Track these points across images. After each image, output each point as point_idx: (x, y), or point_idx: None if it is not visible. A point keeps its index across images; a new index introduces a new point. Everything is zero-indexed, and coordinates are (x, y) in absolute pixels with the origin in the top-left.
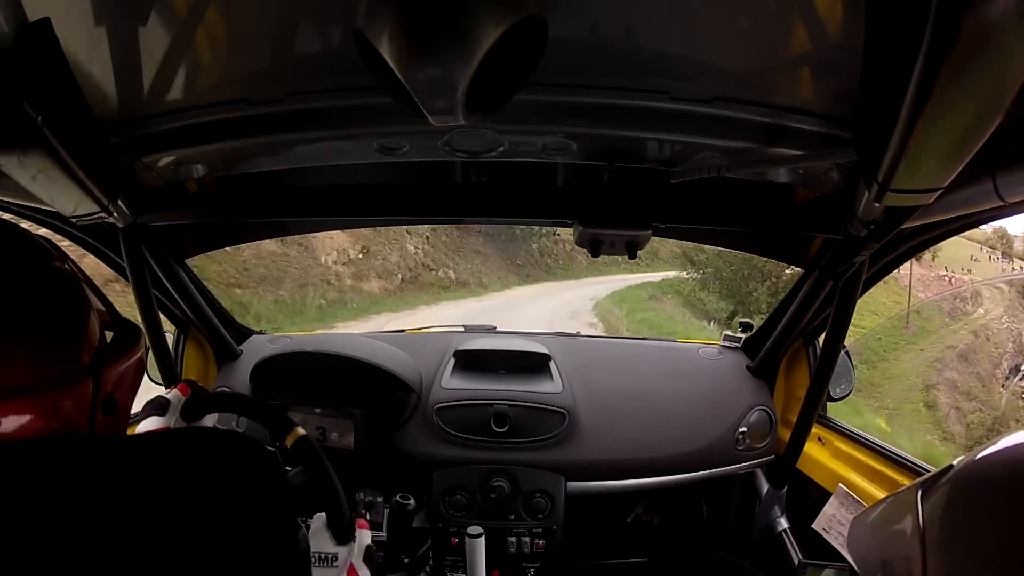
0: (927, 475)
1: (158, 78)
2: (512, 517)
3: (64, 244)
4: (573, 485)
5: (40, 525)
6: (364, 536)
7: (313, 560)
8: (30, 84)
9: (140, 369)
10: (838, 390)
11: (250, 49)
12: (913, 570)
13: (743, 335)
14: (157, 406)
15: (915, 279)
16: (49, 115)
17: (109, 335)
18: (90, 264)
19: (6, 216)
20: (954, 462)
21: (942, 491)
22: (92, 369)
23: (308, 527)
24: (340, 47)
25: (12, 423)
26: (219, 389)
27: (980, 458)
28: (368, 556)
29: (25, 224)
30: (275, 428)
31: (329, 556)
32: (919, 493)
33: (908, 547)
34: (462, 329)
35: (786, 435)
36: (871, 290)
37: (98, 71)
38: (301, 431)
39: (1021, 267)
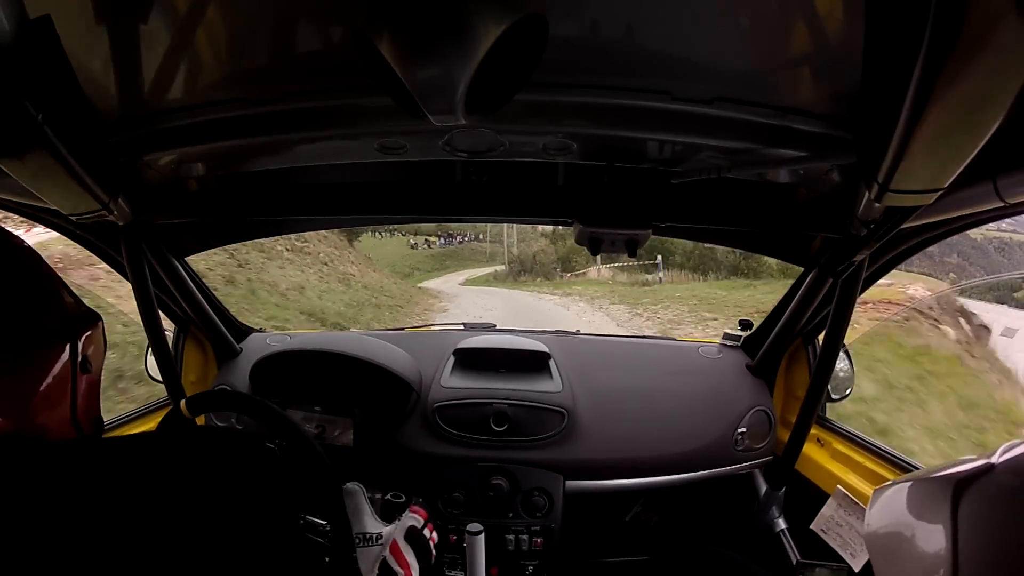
0: (961, 470)
1: (159, 77)
2: (511, 515)
3: (63, 240)
4: (572, 484)
5: (44, 523)
6: (408, 519)
7: (357, 541)
8: (31, 82)
9: (104, 341)
10: (838, 391)
11: (251, 48)
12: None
13: (743, 333)
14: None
15: None
16: (50, 113)
17: None
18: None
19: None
20: (994, 458)
21: (982, 491)
22: (68, 334)
23: (307, 523)
24: (340, 47)
25: None
26: (219, 387)
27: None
28: (412, 536)
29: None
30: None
31: (373, 536)
32: (952, 490)
33: (936, 549)
34: (462, 327)
35: (785, 436)
36: None
37: (99, 69)
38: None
39: None
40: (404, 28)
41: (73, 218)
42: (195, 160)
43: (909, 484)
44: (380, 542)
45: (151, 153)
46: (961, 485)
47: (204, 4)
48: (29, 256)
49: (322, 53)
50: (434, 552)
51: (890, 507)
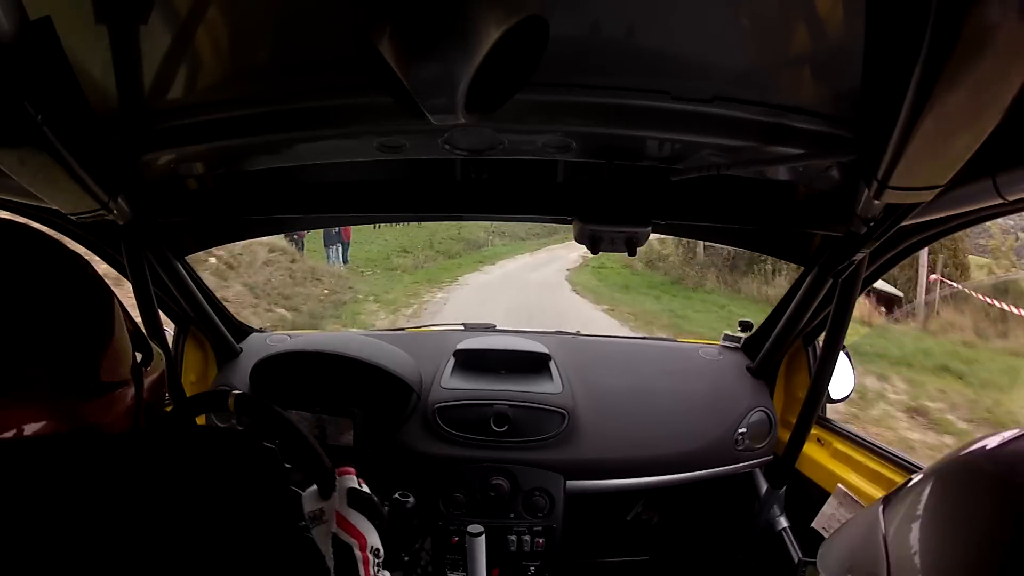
0: (890, 492)
1: (159, 76)
2: (512, 516)
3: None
4: (572, 484)
5: (42, 523)
6: (346, 481)
7: (309, 522)
8: (31, 82)
9: (164, 381)
10: (838, 391)
11: (250, 48)
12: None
13: (743, 335)
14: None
15: None
16: (49, 113)
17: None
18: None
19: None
20: (912, 476)
21: (906, 497)
22: (134, 377)
23: (307, 524)
24: (341, 46)
25: (30, 428)
26: (220, 387)
27: (951, 461)
28: (356, 499)
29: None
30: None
31: (319, 512)
32: (881, 507)
33: (873, 555)
34: (462, 327)
35: (785, 436)
36: None
37: (99, 69)
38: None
39: None
40: (404, 28)
41: (73, 218)
42: (195, 159)
43: (848, 521)
44: (325, 519)
45: (151, 152)
46: (886, 500)
47: (204, 4)
48: (109, 294)
49: (321, 52)
50: (375, 499)
51: (839, 548)
